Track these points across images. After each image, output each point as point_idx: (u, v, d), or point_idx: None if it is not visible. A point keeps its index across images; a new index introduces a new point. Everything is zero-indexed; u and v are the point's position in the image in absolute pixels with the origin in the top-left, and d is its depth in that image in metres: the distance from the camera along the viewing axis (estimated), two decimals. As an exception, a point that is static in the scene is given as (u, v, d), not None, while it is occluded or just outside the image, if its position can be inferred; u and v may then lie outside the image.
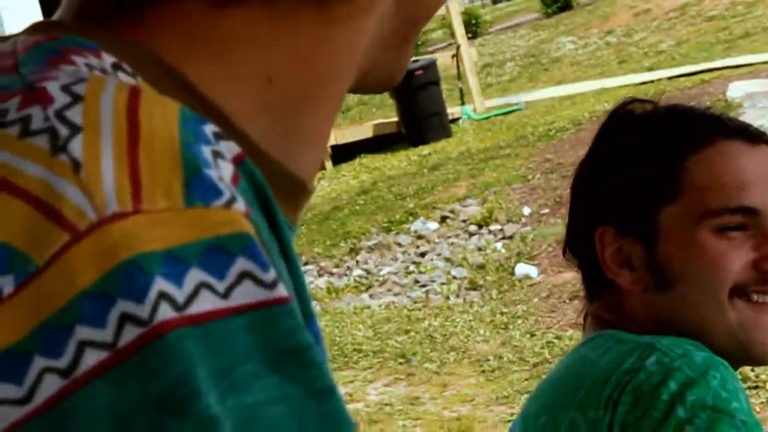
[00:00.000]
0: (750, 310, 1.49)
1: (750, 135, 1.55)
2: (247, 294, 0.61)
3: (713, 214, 1.49)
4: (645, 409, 1.35)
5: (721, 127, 1.55)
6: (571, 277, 8.83)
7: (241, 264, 0.61)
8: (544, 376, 1.63)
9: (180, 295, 0.59)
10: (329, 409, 0.63)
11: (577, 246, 1.63)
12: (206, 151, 0.63)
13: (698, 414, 1.32)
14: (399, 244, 10.79)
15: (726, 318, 1.48)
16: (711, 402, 1.33)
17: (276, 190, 0.69)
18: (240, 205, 0.62)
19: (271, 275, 0.62)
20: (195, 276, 0.60)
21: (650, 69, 16.77)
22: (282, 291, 0.62)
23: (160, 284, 0.59)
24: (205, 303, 0.60)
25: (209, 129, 0.65)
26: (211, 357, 0.59)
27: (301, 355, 0.62)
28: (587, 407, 1.42)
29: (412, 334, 8.49)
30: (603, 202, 1.58)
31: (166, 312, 0.58)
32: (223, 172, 0.63)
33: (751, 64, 15.12)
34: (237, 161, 0.66)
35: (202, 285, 0.60)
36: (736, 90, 11.71)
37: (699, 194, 1.50)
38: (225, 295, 0.60)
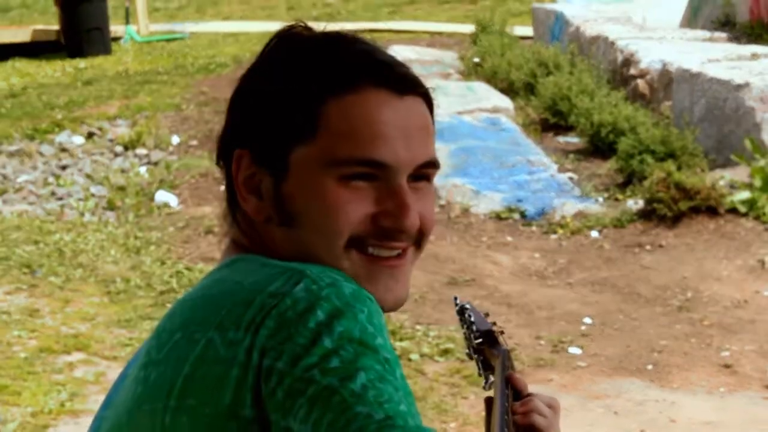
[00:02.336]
0: (363, 263, 1.47)
1: (400, 85, 1.50)
2: None
3: (340, 163, 1.45)
4: (289, 335, 1.31)
5: (370, 73, 1.49)
6: (210, 211, 8.88)
7: None
8: (169, 304, 1.56)
9: None
10: None
11: (222, 161, 1.55)
12: None
13: (344, 346, 1.30)
14: (41, 154, 10.53)
15: (339, 267, 1.45)
16: (358, 335, 1.31)
17: None
18: None
19: None
20: None
21: (316, 19, 16.87)
22: None
23: None
24: None
25: None
26: None
27: None
28: (227, 328, 1.36)
29: (42, 245, 8.32)
30: (244, 126, 1.52)
31: None
32: None
33: (412, 31, 15.57)
34: None
35: None
36: (394, 54, 11.99)
37: (331, 140, 1.45)
38: None
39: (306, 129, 1.46)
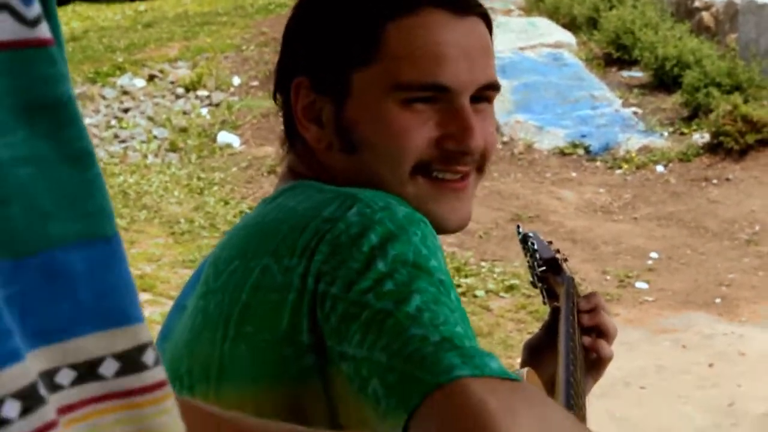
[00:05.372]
0: (429, 186, 1.47)
1: (459, 5, 1.48)
2: (3, 30, 0.51)
3: (403, 87, 1.44)
4: (342, 259, 1.29)
5: None
6: (272, 150, 8.89)
7: None
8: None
9: None
10: (86, 176, 0.55)
11: (280, 92, 1.55)
12: None
13: (398, 269, 1.27)
14: (103, 97, 10.58)
15: (405, 191, 1.45)
16: (412, 258, 1.28)
17: None
18: None
19: (33, 11, 0.52)
20: None
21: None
22: (45, 31, 0.52)
23: None
24: None
25: None
26: None
27: (59, 110, 0.52)
28: (282, 254, 1.34)
29: (106, 188, 8.37)
30: (302, 53, 1.51)
31: None
32: None
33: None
34: None
35: None
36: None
37: (393, 63, 1.44)
38: None
39: (367, 52, 1.45)
